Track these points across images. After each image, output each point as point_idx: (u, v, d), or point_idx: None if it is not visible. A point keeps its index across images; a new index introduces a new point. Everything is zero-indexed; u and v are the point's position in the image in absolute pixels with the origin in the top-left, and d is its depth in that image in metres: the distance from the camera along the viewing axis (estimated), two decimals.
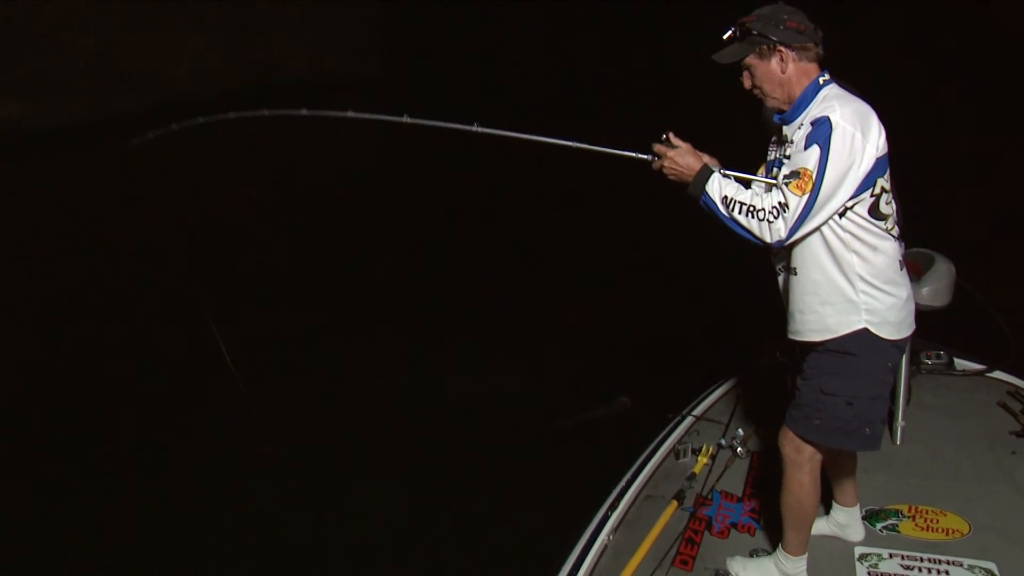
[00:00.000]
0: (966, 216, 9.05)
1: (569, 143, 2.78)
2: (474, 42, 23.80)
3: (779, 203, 2.45)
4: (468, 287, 8.25)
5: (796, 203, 2.42)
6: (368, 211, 10.94)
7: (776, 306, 2.85)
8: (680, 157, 2.63)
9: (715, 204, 2.56)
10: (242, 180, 12.52)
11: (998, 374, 4.38)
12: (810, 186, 2.41)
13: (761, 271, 2.87)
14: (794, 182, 2.43)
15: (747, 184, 2.64)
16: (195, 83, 19.90)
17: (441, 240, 9.77)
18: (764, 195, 2.52)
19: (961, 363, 4.51)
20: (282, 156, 12.17)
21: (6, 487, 5.11)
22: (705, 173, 2.59)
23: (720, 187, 2.56)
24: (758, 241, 2.53)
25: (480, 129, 2.89)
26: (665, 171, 2.66)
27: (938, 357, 4.50)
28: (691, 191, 2.62)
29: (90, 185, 12.66)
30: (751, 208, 2.49)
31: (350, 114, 3.07)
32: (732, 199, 2.53)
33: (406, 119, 2.97)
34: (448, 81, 20.86)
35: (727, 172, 2.64)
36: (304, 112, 3.15)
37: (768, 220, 2.46)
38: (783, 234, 2.46)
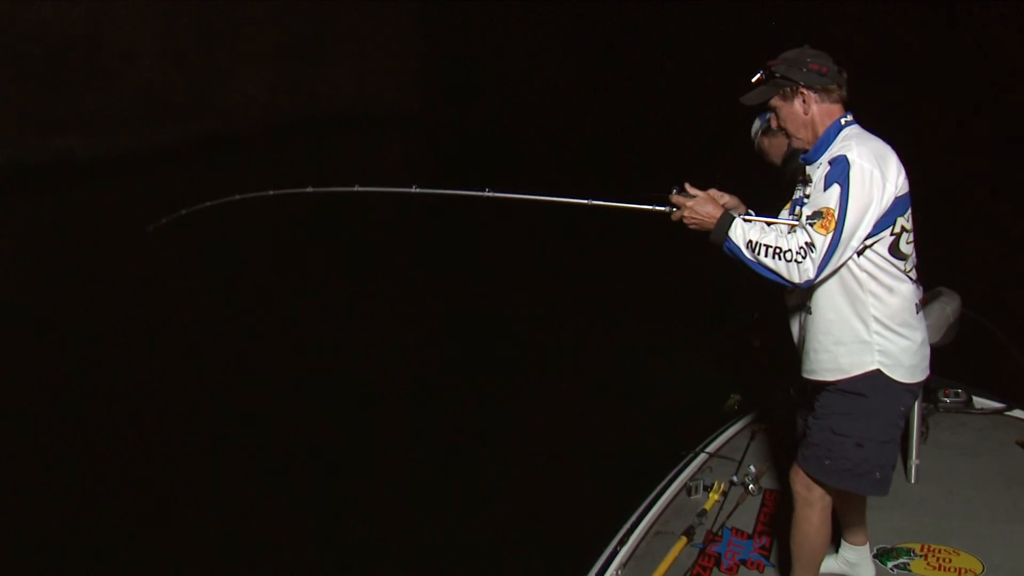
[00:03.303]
0: (983, 252, 8.95)
1: (585, 201, 2.77)
2: (509, 77, 24.13)
3: (805, 243, 2.46)
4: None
5: (822, 242, 2.44)
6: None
7: (791, 344, 2.86)
8: (699, 206, 2.64)
9: (739, 249, 2.57)
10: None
11: (1017, 412, 4.34)
12: (833, 224, 2.43)
13: (776, 309, 2.88)
14: (818, 222, 2.45)
15: (769, 225, 2.63)
16: (242, 115, 20.36)
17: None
18: (788, 236, 2.52)
19: (980, 401, 4.47)
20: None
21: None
22: (727, 219, 2.60)
23: (743, 232, 2.57)
24: (785, 282, 2.52)
25: (491, 194, 2.87)
26: (685, 221, 2.66)
27: (956, 395, 4.46)
28: (714, 238, 2.62)
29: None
30: (777, 250, 2.50)
31: (357, 188, 3.07)
32: (757, 243, 2.53)
33: (414, 189, 2.97)
34: (483, 114, 21.09)
35: (748, 216, 2.65)
36: (310, 190, 3.19)
37: (796, 261, 2.47)
38: (812, 274, 2.47)
